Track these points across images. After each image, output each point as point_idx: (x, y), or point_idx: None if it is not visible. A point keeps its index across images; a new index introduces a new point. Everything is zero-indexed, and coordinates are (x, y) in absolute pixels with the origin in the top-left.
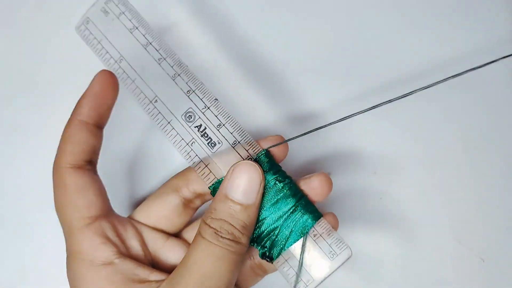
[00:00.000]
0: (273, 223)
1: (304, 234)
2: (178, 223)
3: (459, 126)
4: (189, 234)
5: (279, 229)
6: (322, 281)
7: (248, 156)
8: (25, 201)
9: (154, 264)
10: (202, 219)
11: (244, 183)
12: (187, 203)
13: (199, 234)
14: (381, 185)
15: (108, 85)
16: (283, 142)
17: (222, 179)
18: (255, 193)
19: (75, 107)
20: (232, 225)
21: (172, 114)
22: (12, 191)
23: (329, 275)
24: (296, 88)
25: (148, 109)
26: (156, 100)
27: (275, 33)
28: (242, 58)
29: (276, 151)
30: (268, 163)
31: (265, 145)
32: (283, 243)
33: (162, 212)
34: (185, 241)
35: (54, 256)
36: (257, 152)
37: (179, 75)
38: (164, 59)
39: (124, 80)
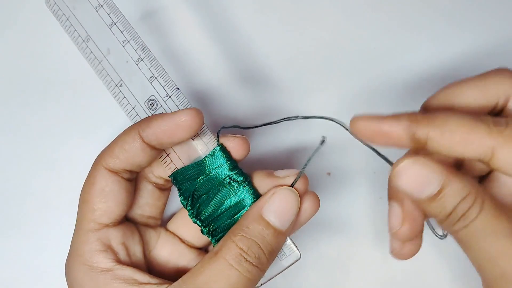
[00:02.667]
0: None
1: None
2: (161, 205)
3: None
4: (173, 225)
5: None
6: (269, 280)
7: (207, 150)
8: (25, 201)
9: (152, 265)
10: (229, 234)
11: (284, 208)
12: (160, 187)
13: (219, 251)
14: (380, 185)
15: (186, 126)
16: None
17: (183, 169)
18: (290, 222)
19: (144, 119)
20: (262, 248)
21: (136, 99)
22: (12, 191)
23: (277, 274)
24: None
25: (114, 92)
26: (121, 84)
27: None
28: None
29: (236, 148)
30: (223, 158)
31: (225, 141)
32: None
33: (145, 201)
34: (173, 234)
35: (54, 256)
36: (215, 146)
37: (142, 60)
38: (128, 41)
39: (92, 61)
